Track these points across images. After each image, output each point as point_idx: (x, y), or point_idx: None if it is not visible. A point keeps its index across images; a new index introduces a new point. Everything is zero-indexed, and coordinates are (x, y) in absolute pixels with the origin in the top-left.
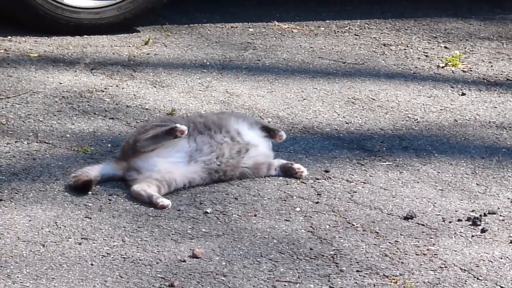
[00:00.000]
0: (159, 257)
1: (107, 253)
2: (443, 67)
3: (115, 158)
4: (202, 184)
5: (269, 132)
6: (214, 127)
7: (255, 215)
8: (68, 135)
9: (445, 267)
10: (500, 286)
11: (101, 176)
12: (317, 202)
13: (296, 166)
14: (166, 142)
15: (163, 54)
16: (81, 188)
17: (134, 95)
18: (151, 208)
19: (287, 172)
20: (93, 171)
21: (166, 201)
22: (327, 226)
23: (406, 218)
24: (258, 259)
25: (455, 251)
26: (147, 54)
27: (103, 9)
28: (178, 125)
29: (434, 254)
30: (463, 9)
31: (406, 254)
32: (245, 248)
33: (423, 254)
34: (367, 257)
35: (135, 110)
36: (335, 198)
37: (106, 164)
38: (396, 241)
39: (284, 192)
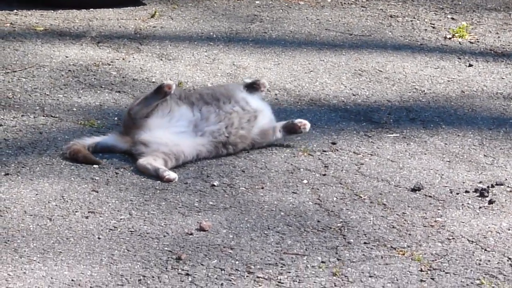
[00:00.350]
0: (166, 230)
1: (114, 227)
2: (450, 38)
3: (119, 132)
4: (210, 157)
5: (253, 86)
6: (223, 98)
7: (262, 188)
8: (75, 109)
9: (453, 238)
10: (507, 257)
11: (95, 144)
12: (324, 174)
13: (298, 121)
14: (160, 104)
15: (170, 27)
16: (72, 158)
17: (140, 68)
18: (158, 182)
19: (290, 130)
20: (88, 141)
21: (172, 174)
22: (335, 198)
23: (413, 190)
24: (266, 232)
25: (463, 222)
26: (154, 27)
27: None
28: (164, 81)
29: (442, 226)
30: None
31: (414, 226)
32: (252, 220)
33: (431, 225)
34: (375, 229)
35: (142, 83)
36: (342, 170)
37: (108, 136)
38: (403, 213)
39: (291, 164)
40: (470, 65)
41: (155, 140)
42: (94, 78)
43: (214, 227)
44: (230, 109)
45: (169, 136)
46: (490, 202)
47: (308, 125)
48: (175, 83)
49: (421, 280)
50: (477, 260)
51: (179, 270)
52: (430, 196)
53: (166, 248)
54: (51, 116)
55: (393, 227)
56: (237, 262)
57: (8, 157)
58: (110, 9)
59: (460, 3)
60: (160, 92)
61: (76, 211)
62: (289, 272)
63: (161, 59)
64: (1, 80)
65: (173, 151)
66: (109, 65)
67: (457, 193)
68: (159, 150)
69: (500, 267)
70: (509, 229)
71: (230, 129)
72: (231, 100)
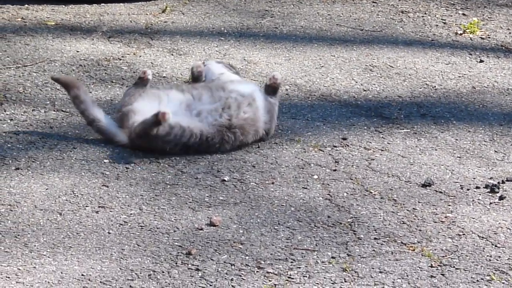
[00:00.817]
0: (176, 225)
1: (124, 222)
2: (461, 34)
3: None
4: (217, 142)
5: (233, 68)
6: (215, 87)
7: (272, 183)
8: None
9: (463, 234)
10: None
11: (93, 119)
12: (334, 170)
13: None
14: (145, 93)
15: (181, 22)
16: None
17: (151, 63)
18: (168, 176)
19: (269, 88)
20: (91, 110)
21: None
22: (345, 194)
23: (424, 186)
24: (276, 227)
25: (473, 218)
26: (165, 22)
27: None
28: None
29: (452, 222)
30: None
31: (424, 222)
32: (262, 216)
33: (441, 221)
34: (385, 225)
35: (153, 78)
36: (353, 165)
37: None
38: (414, 208)
39: (302, 159)
40: (481, 61)
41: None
42: (105, 73)
43: (224, 222)
44: (224, 95)
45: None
46: (501, 198)
47: (278, 76)
48: (151, 71)
49: (431, 276)
50: (487, 256)
51: (189, 265)
52: (440, 192)
53: (176, 243)
54: (62, 110)
55: (403, 223)
56: (247, 257)
57: (18, 152)
58: (121, 4)
59: None
60: (138, 82)
61: (86, 206)
62: (299, 268)
63: (172, 54)
64: (12, 74)
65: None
66: (120, 60)
67: (468, 189)
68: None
69: (511, 263)
70: None
71: (230, 112)
72: (224, 89)
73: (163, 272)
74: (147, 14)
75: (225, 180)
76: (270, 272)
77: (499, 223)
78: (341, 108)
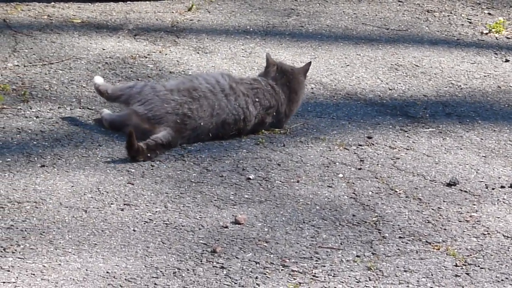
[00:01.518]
0: (201, 223)
1: (150, 219)
2: (486, 33)
3: None
4: None
5: None
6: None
7: (297, 181)
8: None
9: (488, 233)
10: None
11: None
12: (360, 169)
13: None
14: None
15: (207, 20)
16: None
17: (177, 61)
18: (193, 174)
19: None
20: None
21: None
22: (370, 193)
23: (449, 185)
24: (301, 225)
25: (498, 217)
26: (190, 20)
27: None
28: None
29: (477, 221)
30: None
31: (449, 221)
32: (287, 214)
33: (466, 220)
34: (410, 224)
35: (178, 76)
36: (378, 164)
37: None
38: (439, 207)
39: (327, 158)
40: (507, 61)
41: None
42: (131, 71)
43: (249, 220)
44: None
45: None
46: None
47: None
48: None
49: (456, 275)
50: None
51: (214, 263)
52: (465, 191)
53: (201, 241)
54: (88, 108)
55: (428, 222)
56: (272, 256)
57: (44, 149)
58: (147, 2)
59: None
60: None
61: (111, 203)
62: (324, 266)
63: (198, 52)
64: (38, 72)
65: None
66: (146, 57)
67: (493, 188)
68: None
69: None
70: None
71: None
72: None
73: (188, 270)
74: (173, 12)
75: (250, 178)
76: (295, 271)
77: None
78: (366, 107)
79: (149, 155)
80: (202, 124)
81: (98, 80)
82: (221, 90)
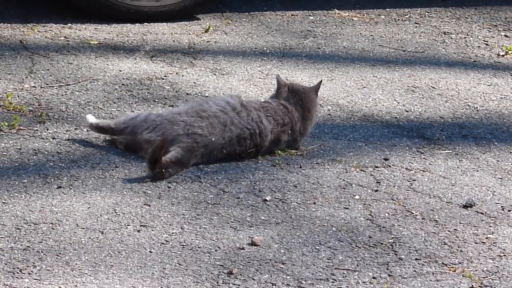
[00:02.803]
0: (218, 244)
1: (166, 241)
2: (503, 55)
3: None
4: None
5: None
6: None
7: (314, 203)
8: None
9: (504, 255)
10: None
11: None
12: (376, 190)
13: None
14: None
15: (223, 41)
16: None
17: (194, 82)
18: (210, 196)
19: None
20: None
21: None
22: (386, 214)
23: (465, 207)
24: (317, 247)
25: None
26: (207, 41)
27: None
28: None
29: (493, 243)
30: None
31: (465, 243)
32: (304, 235)
33: (482, 242)
34: (426, 245)
35: (195, 98)
36: (394, 186)
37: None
38: (455, 229)
39: (343, 180)
40: None
41: None
42: (148, 92)
43: (266, 241)
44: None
45: None
46: None
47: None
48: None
49: None
50: None
51: (231, 285)
52: (481, 213)
53: (217, 263)
54: None
55: (444, 244)
56: (288, 277)
57: (60, 170)
58: (164, 23)
59: None
60: None
61: (128, 225)
62: None
63: (215, 74)
64: (54, 93)
65: None
66: (163, 79)
67: (509, 210)
68: None
69: None
70: None
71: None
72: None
73: None
74: (190, 34)
75: (266, 200)
76: None
77: None
78: (383, 128)
79: (165, 172)
80: (213, 139)
81: (92, 119)
82: (232, 109)
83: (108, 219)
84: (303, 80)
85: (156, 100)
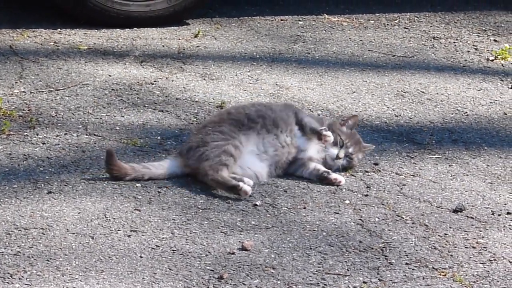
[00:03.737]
0: (208, 249)
1: (156, 246)
2: (492, 60)
3: (175, 158)
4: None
5: (316, 134)
6: (283, 125)
7: (304, 208)
8: (118, 128)
9: (494, 260)
10: None
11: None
12: (366, 195)
13: (333, 177)
14: None
15: (213, 46)
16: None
17: (183, 87)
18: (200, 201)
19: (323, 181)
20: (142, 171)
21: (247, 187)
22: (376, 219)
23: (455, 211)
24: (308, 252)
25: (504, 244)
26: (197, 46)
27: (153, 2)
28: (241, 185)
29: (483, 247)
30: None
31: (455, 247)
32: (294, 240)
33: (472, 247)
34: (416, 250)
35: (185, 103)
36: (384, 191)
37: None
38: (445, 234)
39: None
40: None
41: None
42: (137, 97)
43: (256, 246)
44: (283, 140)
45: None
46: None
47: (342, 182)
48: (251, 189)
49: None
50: None
51: None
52: (472, 218)
53: (208, 267)
54: (94, 134)
55: (434, 248)
56: (279, 282)
57: (51, 176)
58: (154, 28)
59: (502, 25)
60: (233, 191)
61: (118, 230)
62: None
63: (204, 79)
64: (44, 98)
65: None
66: (152, 84)
67: (499, 215)
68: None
69: None
70: None
71: (280, 159)
72: (287, 128)
73: None
74: (179, 39)
75: (257, 205)
76: None
77: None
78: (372, 133)
79: None
80: None
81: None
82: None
83: (98, 224)
84: (293, 85)
85: (146, 105)
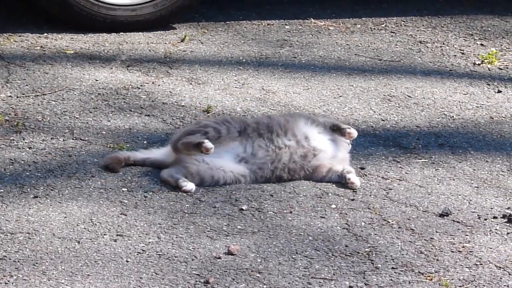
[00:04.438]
0: (194, 254)
1: (143, 250)
2: (479, 64)
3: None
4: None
5: (339, 130)
6: (278, 130)
7: (290, 212)
8: (104, 132)
9: (481, 264)
10: None
11: (144, 160)
12: (352, 199)
13: (348, 176)
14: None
15: (199, 51)
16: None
17: (170, 92)
18: (186, 205)
19: (341, 180)
20: (138, 155)
21: (190, 185)
22: (363, 223)
23: (441, 215)
24: (294, 256)
25: (491, 248)
26: (183, 51)
27: (139, 6)
28: (205, 142)
29: (470, 251)
30: (500, 6)
31: (442, 251)
32: (280, 245)
33: (459, 251)
34: (403, 254)
35: (171, 107)
36: (370, 195)
37: (159, 151)
38: (431, 238)
39: (320, 189)
40: (499, 91)
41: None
42: (124, 102)
43: (242, 251)
44: (282, 143)
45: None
46: None
47: (356, 183)
48: (213, 147)
49: None
50: (504, 286)
51: None
52: (458, 222)
53: (194, 272)
54: (81, 139)
55: (421, 252)
56: (265, 286)
57: (37, 180)
58: (140, 33)
59: (489, 29)
60: (199, 148)
61: (104, 234)
62: None
63: (191, 83)
64: (31, 103)
65: (200, 170)
66: (139, 88)
67: (485, 219)
68: (187, 166)
69: None
70: None
71: (277, 164)
72: (287, 132)
73: None
74: (166, 43)
75: (243, 209)
76: None
77: None
78: (359, 137)
79: None
80: None
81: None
82: None
83: (84, 228)
84: (280, 90)
85: (132, 110)
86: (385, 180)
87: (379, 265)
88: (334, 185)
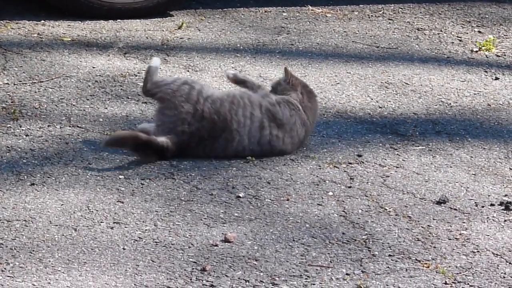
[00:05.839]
0: (191, 241)
1: (139, 238)
2: (476, 51)
3: None
4: None
5: None
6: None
7: (287, 200)
8: (101, 119)
9: (478, 251)
10: None
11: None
12: (349, 187)
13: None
14: None
15: (197, 38)
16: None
17: None
18: (183, 193)
19: None
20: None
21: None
22: (360, 211)
23: (438, 203)
24: (291, 244)
25: (488, 235)
26: (181, 38)
27: None
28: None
29: (467, 239)
30: None
31: (439, 239)
32: (277, 232)
33: (456, 238)
34: (400, 242)
35: None
36: (367, 182)
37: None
38: (428, 225)
39: (317, 176)
40: (497, 78)
41: None
42: (121, 89)
43: (239, 238)
44: None
45: None
46: None
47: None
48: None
49: None
50: (501, 273)
51: (204, 281)
52: (455, 209)
53: (191, 259)
54: (78, 126)
55: (418, 240)
56: (261, 274)
57: (34, 167)
58: (138, 20)
59: (487, 16)
60: None
61: (101, 222)
62: (314, 284)
63: (188, 71)
64: (28, 90)
65: None
66: (136, 76)
67: (482, 206)
68: None
69: None
70: None
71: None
72: None
73: None
74: (163, 31)
75: (240, 197)
76: None
77: None
78: (356, 125)
79: None
80: None
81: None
82: None
83: (81, 216)
84: (277, 77)
85: (130, 97)
86: (382, 167)
87: (376, 253)
88: (331, 172)
